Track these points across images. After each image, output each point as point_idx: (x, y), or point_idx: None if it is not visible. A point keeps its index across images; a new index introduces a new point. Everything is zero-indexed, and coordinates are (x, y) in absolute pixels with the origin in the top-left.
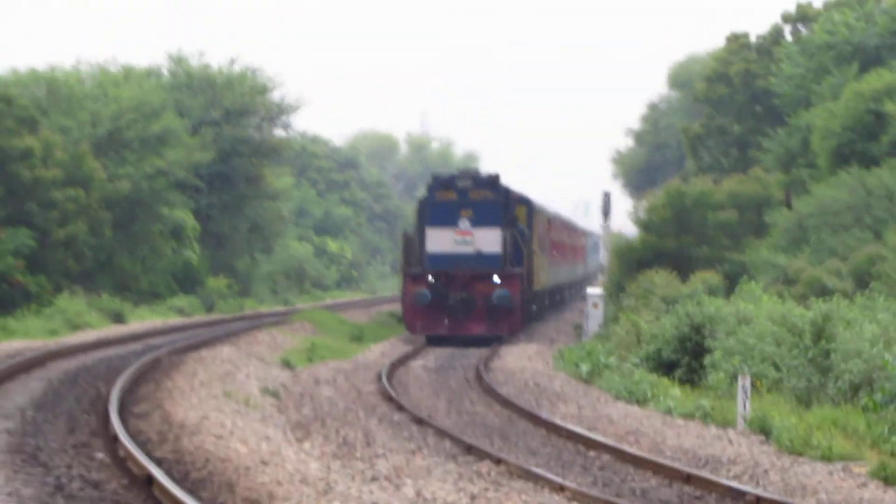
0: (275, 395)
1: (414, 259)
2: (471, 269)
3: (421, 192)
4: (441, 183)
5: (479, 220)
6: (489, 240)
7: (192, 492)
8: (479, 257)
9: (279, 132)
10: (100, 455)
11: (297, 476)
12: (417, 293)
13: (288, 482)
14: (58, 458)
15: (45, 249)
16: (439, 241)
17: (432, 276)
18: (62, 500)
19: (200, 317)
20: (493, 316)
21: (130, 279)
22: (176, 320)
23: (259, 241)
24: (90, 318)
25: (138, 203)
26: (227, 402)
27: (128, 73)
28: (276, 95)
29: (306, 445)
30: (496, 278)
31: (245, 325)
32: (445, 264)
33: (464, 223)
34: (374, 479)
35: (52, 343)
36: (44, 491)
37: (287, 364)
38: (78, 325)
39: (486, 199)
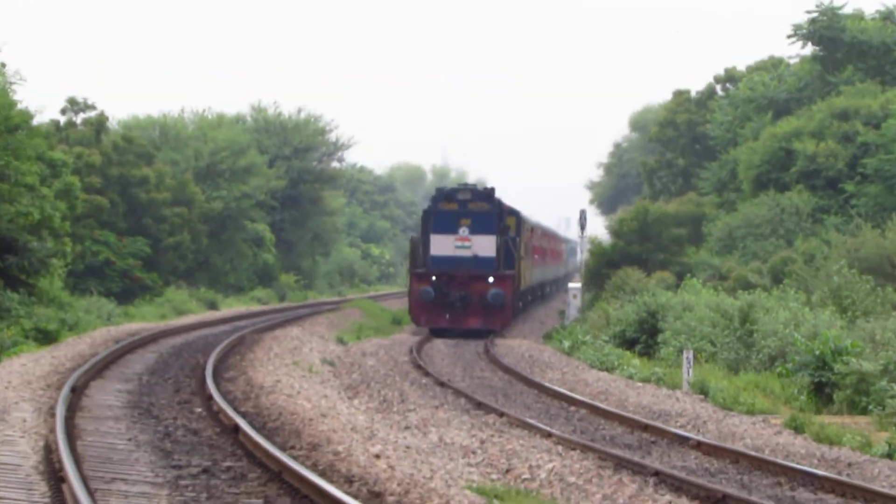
0: (331, 364)
1: (419, 261)
2: (469, 270)
3: (425, 204)
4: (444, 195)
5: (477, 228)
6: (485, 245)
7: (268, 437)
8: (476, 260)
9: (335, 164)
10: (198, 409)
11: (348, 426)
12: (422, 290)
13: (341, 430)
14: (166, 412)
15: (157, 253)
16: (442, 245)
17: (435, 275)
18: (169, 443)
19: (275, 304)
20: (487, 312)
21: (221, 276)
22: (256, 307)
23: (319, 247)
24: (191, 305)
25: (228, 218)
26: (295, 370)
27: (220, 119)
28: (332, 136)
29: (355, 402)
30: (491, 279)
31: (308, 311)
32: (447, 266)
33: (463, 230)
34: (406, 427)
35: (162, 325)
36: (155, 437)
37: (340, 340)
38: (182, 311)
39: (483, 209)
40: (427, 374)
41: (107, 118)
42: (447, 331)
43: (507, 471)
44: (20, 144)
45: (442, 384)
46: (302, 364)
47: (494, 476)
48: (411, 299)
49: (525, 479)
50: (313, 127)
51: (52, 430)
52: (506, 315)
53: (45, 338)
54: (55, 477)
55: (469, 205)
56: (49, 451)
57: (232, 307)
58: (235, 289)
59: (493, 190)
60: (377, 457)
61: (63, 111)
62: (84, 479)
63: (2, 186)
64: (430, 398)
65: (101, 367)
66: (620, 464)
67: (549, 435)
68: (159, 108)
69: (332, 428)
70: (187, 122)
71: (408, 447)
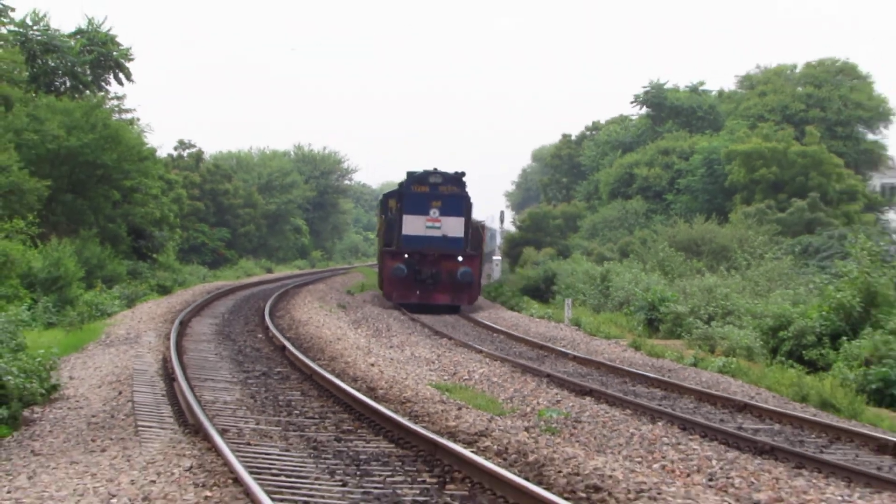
0: (343, 307)
1: (391, 240)
2: (439, 249)
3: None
4: (416, 178)
5: (446, 210)
6: (454, 226)
7: (303, 353)
8: (445, 240)
9: (346, 182)
10: (260, 335)
11: (354, 346)
12: (395, 267)
13: (349, 348)
14: (239, 337)
15: (234, 238)
16: (413, 225)
17: (407, 254)
18: (241, 357)
19: (308, 269)
20: (456, 289)
21: (274, 251)
22: (296, 272)
23: (336, 234)
24: (257, 270)
25: (279, 216)
26: (320, 310)
27: (274, 153)
28: (344, 164)
29: (359, 331)
30: (460, 258)
31: (329, 273)
32: (418, 245)
33: (433, 212)
34: (391, 347)
35: (237, 282)
36: (232, 352)
37: (349, 292)
38: (250, 274)
39: (452, 192)
40: (404, 313)
41: (202, 152)
42: (415, 305)
43: (454, 374)
44: (148, 169)
45: (413, 320)
46: (325, 307)
47: (446, 377)
48: (384, 275)
49: (465, 379)
50: (333, 158)
51: (167, 349)
52: (473, 292)
53: (163, 290)
54: (169, 378)
55: (440, 188)
56: (165, 362)
57: (282, 271)
58: (283, 260)
59: (462, 174)
60: (372, 365)
61: (175, 148)
62: (187, 379)
63: (136, 196)
64: (406, 329)
65: (199, 309)
66: (525, 369)
67: (480, 351)
68: (236, 145)
69: (343, 347)
70: (253, 154)
71: (391, 359)
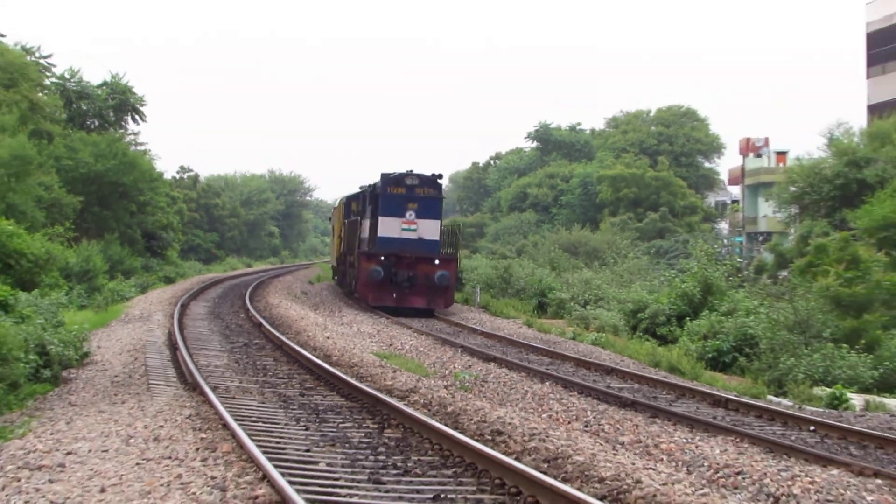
0: (306, 294)
1: (365, 242)
2: (415, 252)
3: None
4: (392, 180)
5: (423, 213)
6: (430, 229)
7: (275, 328)
8: (421, 242)
9: (308, 198)
10: (242, 315)
11: (314, 323)
12: (372, 269)
13: (311, 325)
14: (226, 317)
15: (223, 240)
16: (389, 227)
17: (384, 256)
18: (227, 332)
19: (279, 265)
20: (433, 292)
21: (253, 251)
22: (270, 266)
23: (301, 238)
24: (239, 265)
25: (257, 224)
26: (288, 296)
27: (252, 176)
28: (306, 184)
29: (317, 312)
30: (437, 261)
31: (295, 268)
32: (394, 247)
33: (410, 214)
34: (342, 324)
35: (224, 274)
36: (221, 328)
37: (310, 282)
38: (235, 268)
39: (429, 195)
40: (351, 299)
41: (198, 175)
42: (390, 308)
43: (390, 345)
44: (157, 188)
45: (358, 305)
46: (291, 294)
47: (384, 347)
48: (360, 278)
49: (398, 349)
50: (297, 180)
51: (172, 325)
52: (449, 296)
53: (168, 281)
54: (173, 347)
55: (416, 190)
56: (170, 335)
57: (259, 266)
58: (260, 257)
59: (439, 176)
60: (328, 338)
61: (177, 171)
62: (187, 348)
63: (148, 208)
64: (353, 311)
65: (195, 295)
66: (445, 342)
67: (410, 328)
68: (224, 169)
69: (306, 324)
70: (237, 177)
71: (343, 333)
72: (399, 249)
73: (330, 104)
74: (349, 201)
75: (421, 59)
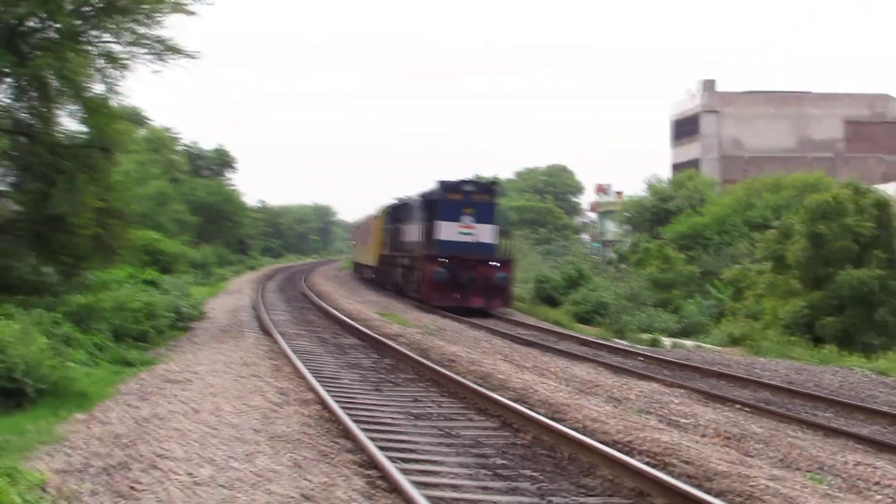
0: (336, 278)
1: (426, 245)
2: (475, 254)
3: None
4: (450, 186)
5: (479, 217)
6: (486, 233)
7: (320, 299)
8: (479, 245)
9: (334, 219)
10: (298, 290)
11: (341, 295)
12: (437, 271)
13: (339, 297)
14: (288, 290)
15: (286, 245)
16: (448, 231)
17: (447, 258)
18: (288, 299)
19: (319, 259)
20: (491, 293)
21: (304, 251)
22: (313, 260)
23: (331, 243)
24: (294, 259)
25: (304, 235)
26: (325, 280)
27: (302, 206)
28: (334, 210)
29: (342, 289)
30: (497, 263)
31: (328, 262)
32: (453, 249)
33: (467, 219)
34: (359, 297)
35: (286, 265)
36: (285, 298)
37: (338, 271)
38: (291, 262)
39: (485, 201)
40: (365, 281)
41: (269, 204)
42: (452, 308)
43: (387, 308)
44: (245, 214)
45: (367, 284)
46: (327, 277)
47: (383, 309)
48: (423, 279)
49: (391, 310)
50: (331, 210)
51: (256, 296)
52: (506, 296)
53: (252, 269)
54: (254, 309)
55: (472, 196)
56: (253, 302)
57: (307, 260)
58: (306, 254)
59: (494, 183)
60: (349, 304)
61: (258, 203)
62: (266, 309)
63: (240, 225)
64: (366, 288)
65: (268, 277)
66: (417, 307)
67: (399, 299)
68: (281, 198)
69: (336, 297)
70: (292, 205)
71: (359, 300)
72: (460, 252)
73: (329, 106)
74: (393, 210)
75: (421, 59)
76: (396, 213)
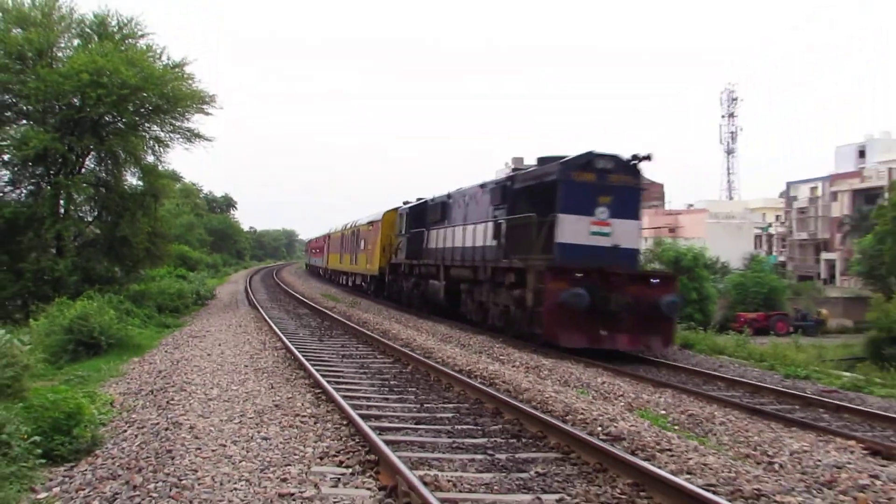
0: (297, 274)
1: (536, 248)
2: (616, 264)
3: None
4: (578, 163)
5: (619, 210)
6: (628, 233)
7: (286, 286)
8: (617, 252)
9: (297, 238)
10: (273, 281)
11: (300, 283)
12: (571, 293)
13: (299, 284)
14: (268, 282)
15: (266, 253)
16: (574, 230)
17: (583, 273)
18: (271, 290)
19: (285, 262)
20: (651, 325)
21: (276, 257)
22: (282, 262)
23: (294, 252)
24: (270, 261)
25: (277, 248)
26: (290, 275)
27: (276, 230)
28: (297, 232)
29: (300, 279)
30: (657, 280)
31: (291, 263)
32: (580, 258)
33: (602, 211)
34: (310, 283)
35: (266, 265)
36: (267, 288)
37: (299, 269)
38: (268, 263)
39: (628, 184)
40: (316, 275)
41: (256, 230)
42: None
43: (328, 291)
44: (242, 235)
45: (314, 274)
46: (292, 274)
47: (326, 292)
48: (545, 306)
49: (330, 293)
50: (294, 233)
51: (245, 286)
52: (672, 331)
53: (245, 268)
54: (247, 293)
55: (610, 177)
56: (246, 291)
57: (279, 262)
58: (278, 259)
59: (642, 158)
60: (304, 288)
61: (249, 228)
62: (253, 294)
63: (238, 242)
64: (314, 280)
65: (254, 273)
66: (354, 292)
67: (335, 284)
68: (266, 222)
69: (296, 284)
70: (270, 230)
71: (311, 286)
72: (596, 261)
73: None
74: (415, 211)
75: (421, 58)
76: (424, 214)
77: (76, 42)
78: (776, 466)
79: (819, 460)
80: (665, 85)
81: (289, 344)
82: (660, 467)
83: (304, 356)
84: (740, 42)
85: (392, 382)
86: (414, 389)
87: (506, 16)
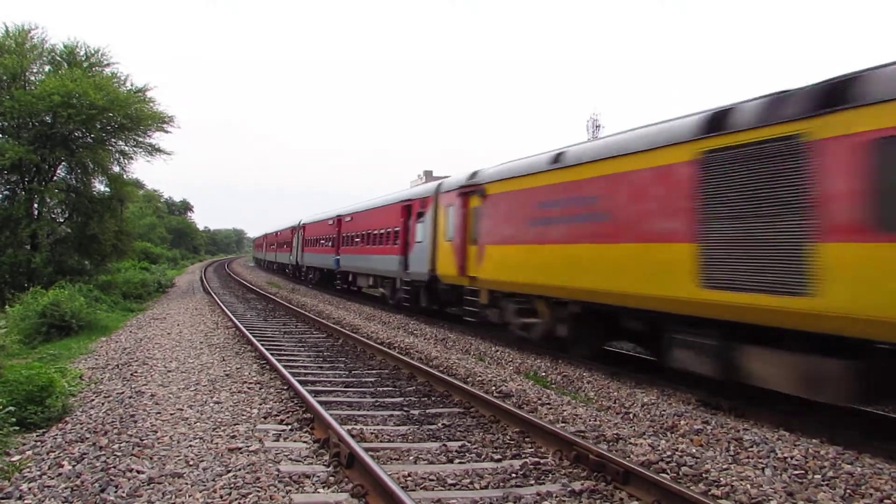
0: (247, 266)
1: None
2: None
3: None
4: None
5: None
6: None
7: (236, 276)
8: None
9: (245, 236)
10: (225, 271)
11: (249, 272)
12: None
13: (247, 273)
14: (221, 273)
15: (219, 248)
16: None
17: None
18: (224, 280)
19: (235, 255)
20: None
21: (228, 251)
22: (233, 256)
23: (242, 248)
24: (222, 255)
25: (229, 243)
26: (241, 267)
27: (227, 230)
28: (245, 230)
29: (248, 270)
30: None
31: (241, 256)
32: None
33: None
34: (257, 273)
35: (220, 258)
36: (220, 279)
37: (249, 262)
38: (221, 256)
39: None
40: (260, 266)
41: (210, 229)
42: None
43: (272, 280)
44: (198, 234)
45: (256, 266)
46: (242, 266)
47: (271, 280)
48: None
49: (273, 282)
50: (243, 232)
51: (201, 276)
52: None
53: (200, 261)
54: (202, 281)
55: None
56: (202, 280)
57: (231, 256)
58: (230, 253)
59: None
60: (252, 277)
61: (204, 229)
62: (208, 285)
63: (195, 239)
64: (260, 271)
65: (208, 265)
66: (293, 280)
67: (274, 273)
68: (221, 221)
69: (245, 274)
70: (223, 229)
71: (258, 276)
72: None
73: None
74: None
75: (421, 58)
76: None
77: (47, 68)
78: (631, 416)
79: (664, 410)
80: (666, 85)
81: (238, 323)
82: (540, 418)
83: (251, 333)
84: (740, 43)
85: (326, 354)
86: (344, 359)
87: (506, 17)
